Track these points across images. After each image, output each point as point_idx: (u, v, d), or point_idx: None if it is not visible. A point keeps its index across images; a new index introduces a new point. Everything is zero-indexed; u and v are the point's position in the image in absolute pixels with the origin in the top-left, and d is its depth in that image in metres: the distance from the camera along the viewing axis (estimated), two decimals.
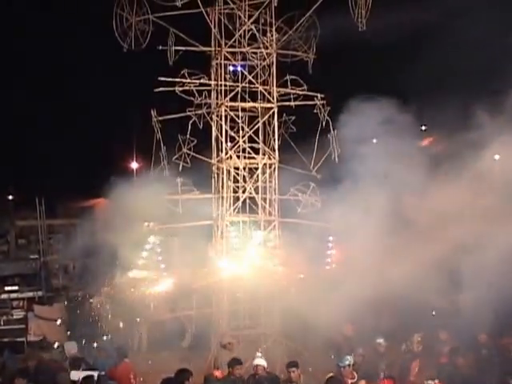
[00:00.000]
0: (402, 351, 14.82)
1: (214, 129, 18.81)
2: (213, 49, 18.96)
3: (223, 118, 18.36)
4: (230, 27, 18.84)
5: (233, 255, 18.35)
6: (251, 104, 18.69)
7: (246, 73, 18.72)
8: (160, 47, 18.71)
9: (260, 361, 12.79)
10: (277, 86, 18.77)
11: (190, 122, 18.75)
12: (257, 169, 18.38)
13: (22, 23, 41.11)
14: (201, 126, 18.93)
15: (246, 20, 18.53)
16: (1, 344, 20.71)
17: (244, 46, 18.67)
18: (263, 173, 18.39)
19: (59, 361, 14.73)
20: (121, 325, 20.30)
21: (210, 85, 19.14)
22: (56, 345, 17.89)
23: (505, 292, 13.71)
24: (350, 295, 14.94)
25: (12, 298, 23.02)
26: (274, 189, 18.54)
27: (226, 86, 18.58)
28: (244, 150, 18.51)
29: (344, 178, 16.60)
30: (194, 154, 18.57)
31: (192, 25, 19.34)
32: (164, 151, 18.24)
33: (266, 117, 18.60)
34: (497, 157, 16.30)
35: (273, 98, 18.60)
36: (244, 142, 18.48)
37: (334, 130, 18.21)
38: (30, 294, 23.17)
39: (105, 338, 18.59)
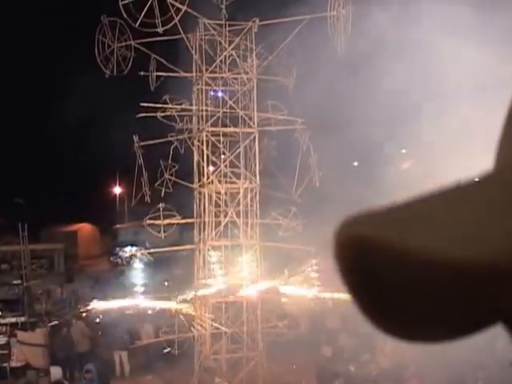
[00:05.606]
0: None
1: (195, 154, 18.93)
2: (194, 74, 19.10)
3: (204, 143, 18.47)
4: (211, 53, 18.99)
5: (215, 279, 18.42)
6: (232, 129, 18.79)
7: (226, 98, 18.88)
8: (142, 73, 18.92)
9: None
10: (257, 111, 18.92)
11: (172, 147, 18.92)
12: (238, 193, 18.47)
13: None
14: (182, 152, 19.10)
15: (227, 46, 18.69)
16: None
17: (225, 72, 18.81)
18: (244, 197, 18.48)
19: None
20: (102, 350, 20.30)
21: (191, 110, 19.29)
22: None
23: None
24: None
25: None
26: (256, 213, 18.63)
27: (207, 111, 18.70)
28: (225, 175, 18.61)
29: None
30: (176, 180, 18.71)
31: (173, 51, 19.54)
32: (146, 177, 18.41)
33: (247, 141, 18.71)
34: None
35: (253, 123, 18.74)
36: (225, 166, 18.59)
37: (314, 153, 18.41)
38: (13, 320, 23.07)
39: (87, 363, 18.54)
